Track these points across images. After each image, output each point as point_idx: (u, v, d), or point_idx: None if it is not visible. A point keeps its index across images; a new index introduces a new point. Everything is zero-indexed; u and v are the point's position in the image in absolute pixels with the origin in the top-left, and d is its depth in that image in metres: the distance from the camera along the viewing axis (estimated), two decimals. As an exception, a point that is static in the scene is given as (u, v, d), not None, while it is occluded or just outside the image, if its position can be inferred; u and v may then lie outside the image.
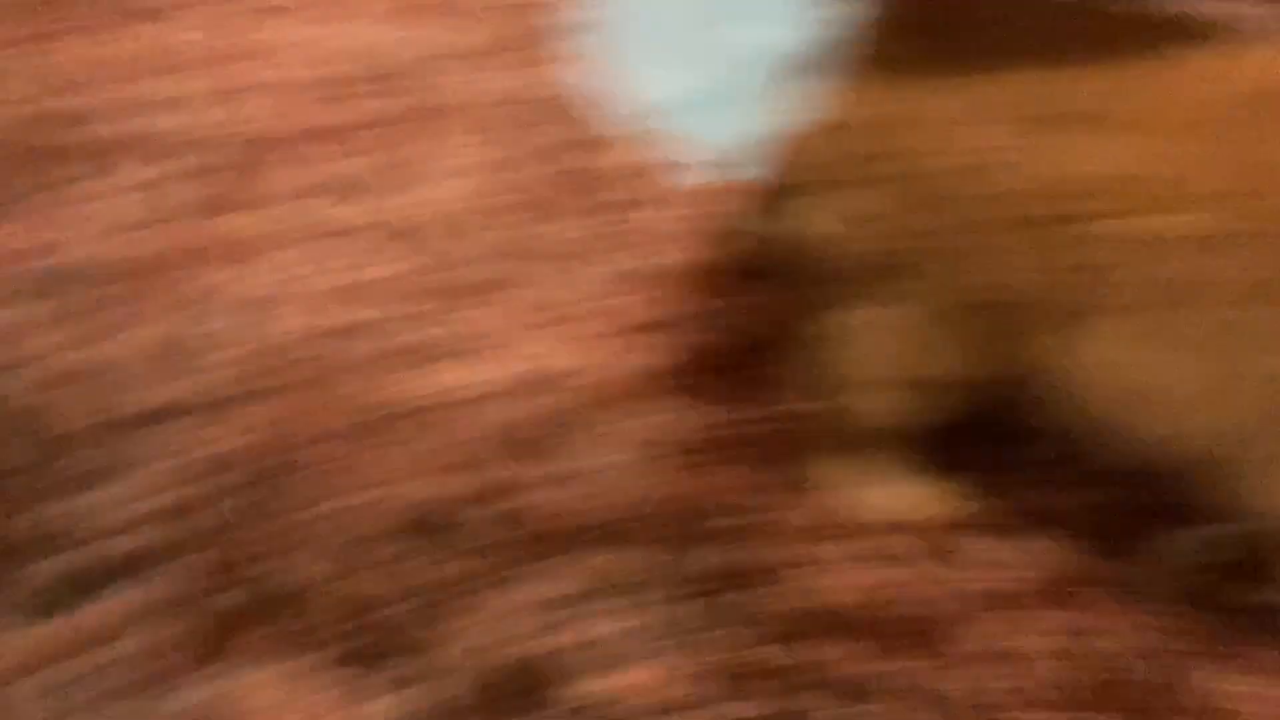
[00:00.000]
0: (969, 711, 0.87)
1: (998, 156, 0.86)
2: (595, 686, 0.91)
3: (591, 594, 0.96)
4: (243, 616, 0.91)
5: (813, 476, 1.09)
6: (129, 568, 0.92)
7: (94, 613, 0.90)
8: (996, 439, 1.18)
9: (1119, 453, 0.96)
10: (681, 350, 1.18)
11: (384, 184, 1.26)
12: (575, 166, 1.32)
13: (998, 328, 0.92)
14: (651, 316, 1.20)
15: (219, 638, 0.89)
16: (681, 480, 1.09)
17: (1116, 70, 0.86)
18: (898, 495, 1.15)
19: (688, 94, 1.44)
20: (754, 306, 1.21)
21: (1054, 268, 0.86)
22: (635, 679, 0.93)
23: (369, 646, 0.91)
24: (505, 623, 0.93)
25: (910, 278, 0.96)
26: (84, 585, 0.92)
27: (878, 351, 1.02)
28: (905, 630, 0.93)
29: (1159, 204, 0.82)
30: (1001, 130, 0.86)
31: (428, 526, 1.00)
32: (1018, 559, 1.01)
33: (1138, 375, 0.88)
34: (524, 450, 1.05)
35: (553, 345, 1.15)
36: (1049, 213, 0.85)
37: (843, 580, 0.99)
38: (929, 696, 0.87)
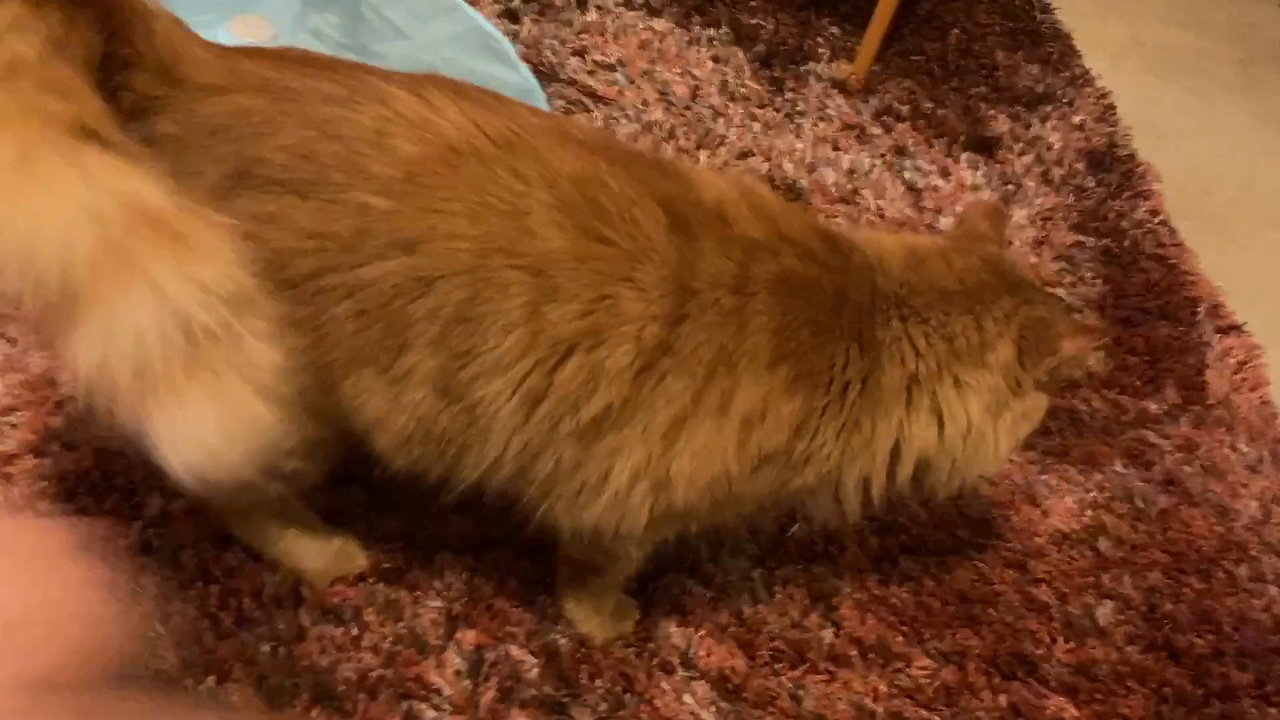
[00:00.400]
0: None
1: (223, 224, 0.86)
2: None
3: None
4: None
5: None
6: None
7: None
8: (370, 486, 1.25)
9: (444, 485, 1.02)
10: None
11: None
12: None
13: (309, 382, 0.95)
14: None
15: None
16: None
17: (313, 129, 0.89)
18: (319, 555, 1.19)
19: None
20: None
21: (321, 319, 0.91)
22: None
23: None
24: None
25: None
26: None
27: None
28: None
29: (374, 254, 0.88)
30: (205, 200, 0.85)
31: None
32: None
33: (400, 413, 0.95)
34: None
35: None
36: (297, 272, 0.89)
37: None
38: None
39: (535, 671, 1.15)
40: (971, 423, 1.03)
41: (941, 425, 1.03)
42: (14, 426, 1.26)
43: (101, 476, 1.23)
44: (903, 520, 1.35)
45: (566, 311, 0.90)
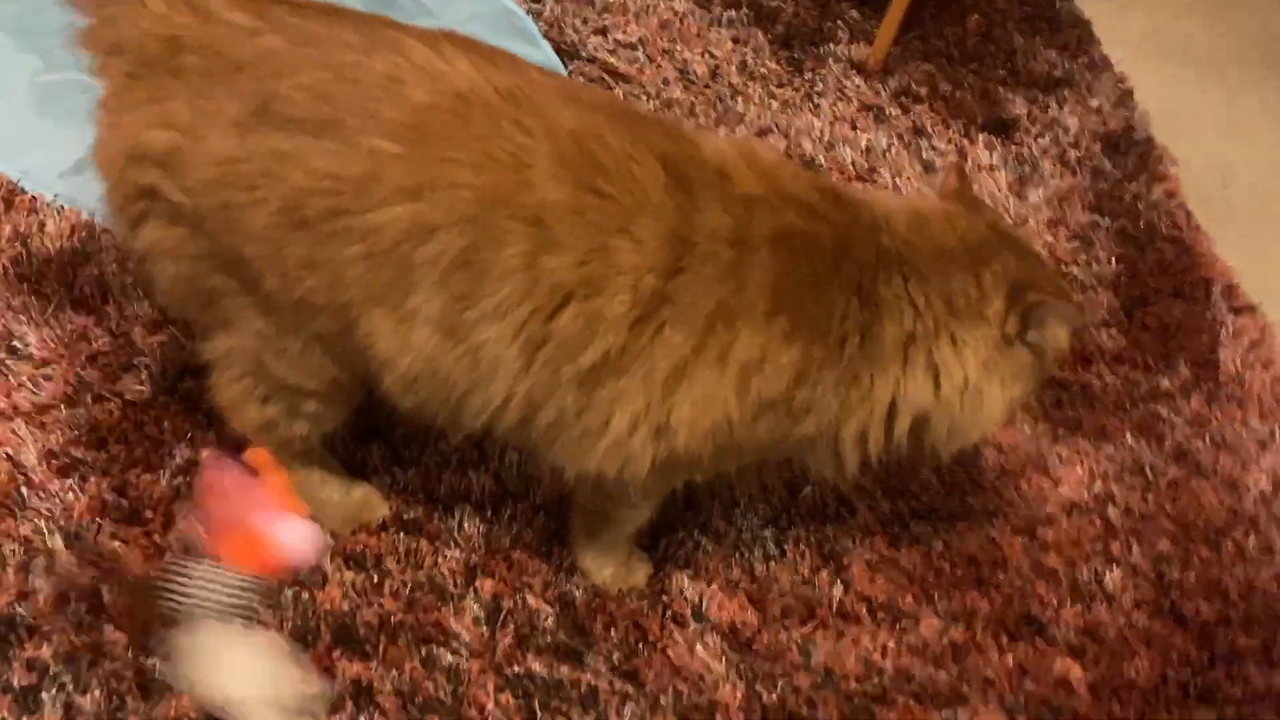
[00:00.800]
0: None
1: (243, 167, 0.93)
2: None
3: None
4: None
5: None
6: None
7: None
8: (394, 438, 1.29)
9: (450, 428, 1.06)
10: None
11: None
12: None
13: (335, 329, 0.99)
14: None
15: None
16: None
17: (330, 72, 0.93)
18: (342, 503, 1.22)
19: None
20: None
21: (336, 261, 0.95)
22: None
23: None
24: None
25: (233, 295, 1.03)
26: None
27: (248, 372, 1.10)
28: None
29: (382, 199, 0.92)
30: (231, 140, 0.93)
31: None
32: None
33: (408, 353, 0.97)
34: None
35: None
36: (313, 212, 0.93)
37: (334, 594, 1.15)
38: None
39: (551, 620, 1.18)
40: (969, 380, 1.04)
41: (938, 382, 1.04)
42: (48, 379, 1.29)
43: (132, 426, 1.26)
44: (914, 487, 1.37)
45: (563, 261, 0.92)
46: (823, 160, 1.81)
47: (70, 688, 1.06)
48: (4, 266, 1.40)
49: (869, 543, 1.31)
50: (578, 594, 1.20)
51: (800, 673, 1.18)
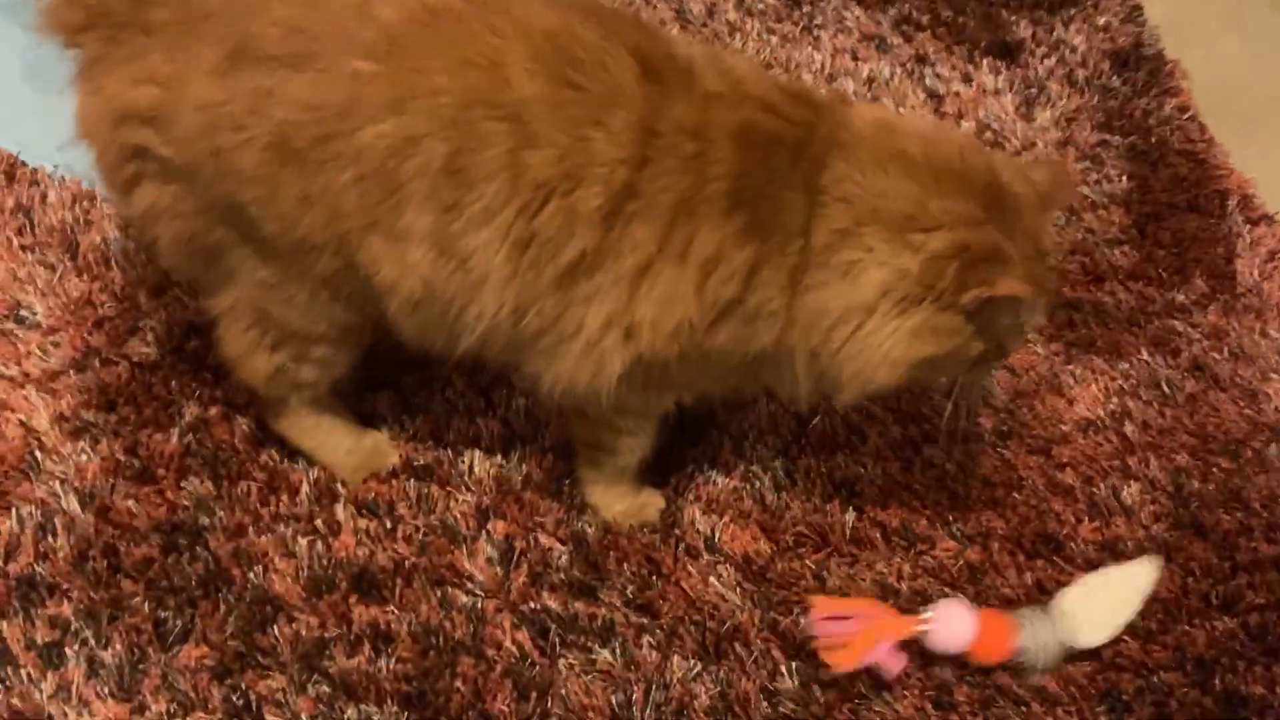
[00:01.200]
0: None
1: (228, 109, 0.93)
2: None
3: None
4: None
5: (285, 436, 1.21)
6: None
7: None
8: (401, 390, 1.30)
9: (449, 349, 1.05)
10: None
11: None
12: None
13: (336, 265, 0.99)
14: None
15: None
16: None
17: (299, 6, 0.93)
18: (353, 450, 1.23)
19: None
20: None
21: (329, 190, 0.94)
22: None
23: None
24: None
25: (235, 247, 1.03)
26: None
27: (254, 323, 1.10)
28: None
29: (367, 118, 0.91)
30: (212, 85, 0.93)
31: None
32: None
33: (407, 275, 0.97)
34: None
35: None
36: (302, 143, 0.92)
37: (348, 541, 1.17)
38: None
39: (564, 558, 1.18)
40: (864, 300, 0.96)
41: (847, 290, 0.96)
42: (56, 345, 1.31)
43: (141, 388, 1.27)
44: (925, 410, 1.36)
45: (544, 156, 0.92)
46: (824, 92, 1.78)
47: (92, 642, 1.08)
48: (8, 238, 1.41)
49: (881, 468, 1.30)
50: (589, 531, 1.21)
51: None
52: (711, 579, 1.18)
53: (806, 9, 1.95)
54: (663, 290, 0.95)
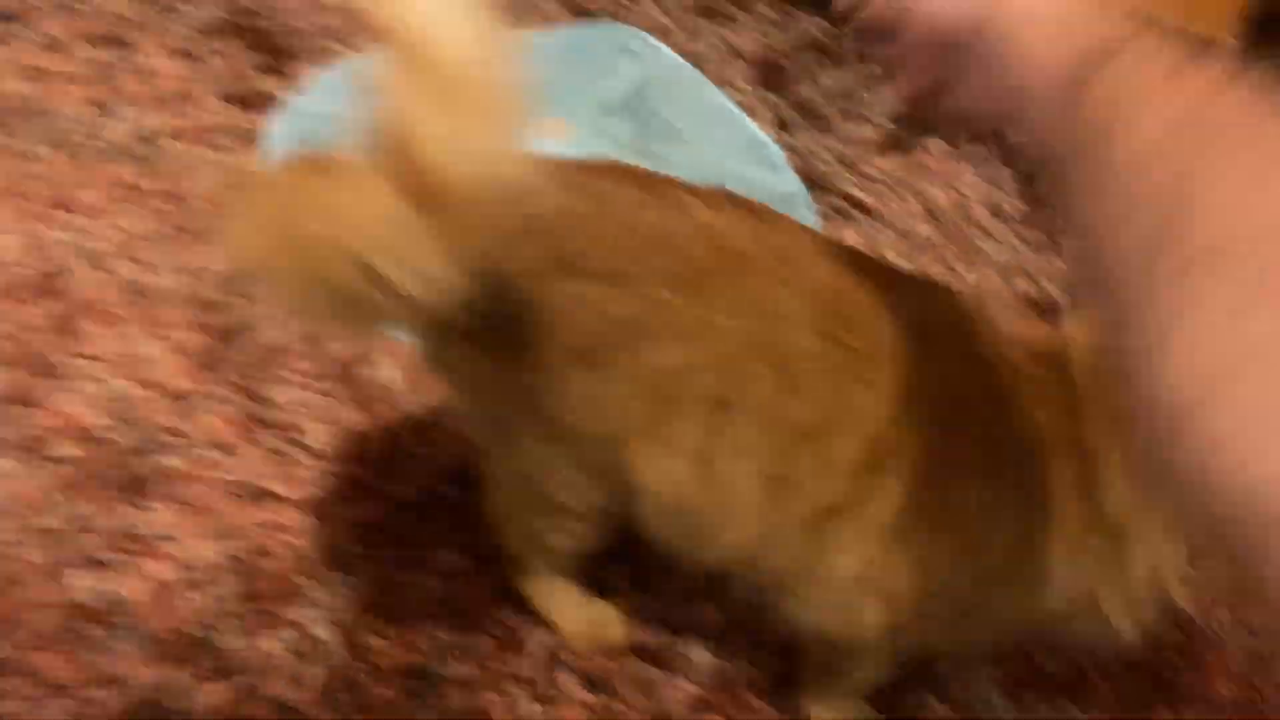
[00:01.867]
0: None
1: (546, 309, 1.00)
2: None
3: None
4: None
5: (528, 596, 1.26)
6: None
7: None
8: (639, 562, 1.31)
9: (692, 562, 1.08)
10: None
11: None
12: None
13: (604, 457, 1.04)
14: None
15: None
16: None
17: (623, 229, 1.00)
18: (584, 620, 1.26)
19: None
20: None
21: (615, 397, 1.00)
22: None
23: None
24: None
25: (524, 420, 1.07)
26: None
27: (520, 489, 1.15)
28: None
29: (668, 335, 0.97)
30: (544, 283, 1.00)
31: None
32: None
33: (664, 482, 1.02)
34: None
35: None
36: (598, 347, 0.98)
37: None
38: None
39: (778, 765, 1.19)
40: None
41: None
42: (327, 474, 1.42)
43: (400, 527, 1.36)
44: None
45: (803, 403, 0.96)
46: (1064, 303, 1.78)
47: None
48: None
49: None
50: (805, 743, 1.21)
51: None
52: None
53: (1051, 213, 1.96)
54: (918, 552, 0.97)
